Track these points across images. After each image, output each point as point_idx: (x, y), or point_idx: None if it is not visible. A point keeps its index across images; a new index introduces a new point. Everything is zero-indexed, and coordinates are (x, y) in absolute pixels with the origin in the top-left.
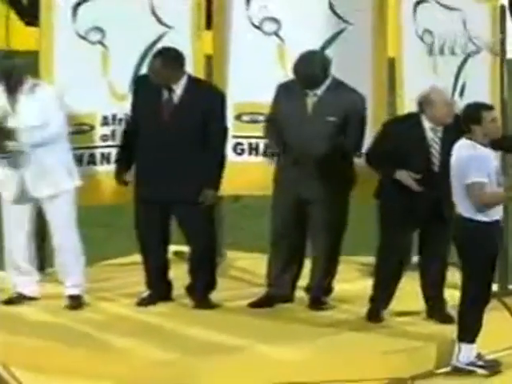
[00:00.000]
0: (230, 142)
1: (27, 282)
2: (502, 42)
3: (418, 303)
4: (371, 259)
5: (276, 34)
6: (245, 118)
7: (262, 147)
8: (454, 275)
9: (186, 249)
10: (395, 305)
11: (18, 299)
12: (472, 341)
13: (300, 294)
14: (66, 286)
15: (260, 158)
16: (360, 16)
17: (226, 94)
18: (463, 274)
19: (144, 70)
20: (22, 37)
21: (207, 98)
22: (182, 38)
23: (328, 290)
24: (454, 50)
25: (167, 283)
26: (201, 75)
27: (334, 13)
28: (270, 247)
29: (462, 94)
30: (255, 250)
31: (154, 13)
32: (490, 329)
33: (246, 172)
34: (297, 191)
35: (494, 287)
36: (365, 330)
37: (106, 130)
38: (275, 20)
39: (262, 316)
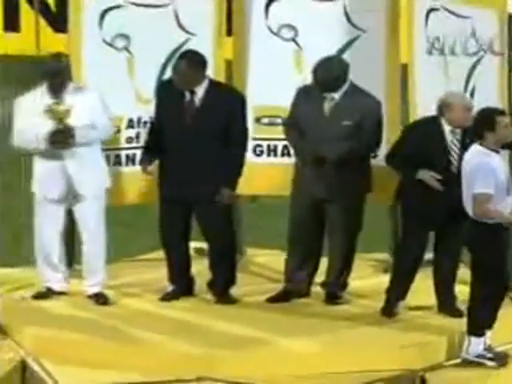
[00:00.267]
0: (250, 144)
1: (57, 278)
2: (511, 48)
3: (430, 298)
4: (385, 256)
5: (293, 40)
6: (264, 120)
7: (280, 149)
8: (463, 272)
9: (205, 246)
10: (408, 299)
11: (47, 294)
12: (481, 334)
13: (316, 289)
14: (90, 285)
15: (278, 159)
16: (373, 23)
17: (246, 97)
18: (473, 272)
19: (168, 76)
20: (51, 43)
21: (228, 101)
22: (204, 44)
23: (343, 285)
24: (465, 56)
25: (189, 279)
26: (221, 79)
27: (349, 20)
28: (288, 244)
29: (472, 97)
30: (273, 248)
31: (177, 20)
32: (500, 322)
33: (265, 173)
34: (314, 191)
35: None
36: (379, 324)
37: (131, 133)
38: (292, 27)
39: (281, 310)
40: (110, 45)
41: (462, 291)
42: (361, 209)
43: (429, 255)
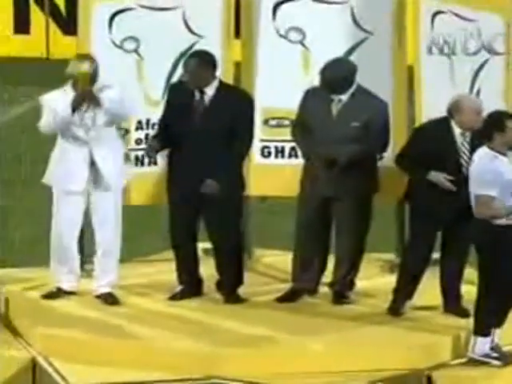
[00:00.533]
0: (258, 146)
1: (69, 278)
2: None
3: (437, 298)
4: (391, 256)
5: (301, 42)
6: (272, 122)
7: (287, 150)
8: (468, 272)
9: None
10: (415, 299)
11: (57, 294)
12: (487, 334)
13: (324, 289)
14: (100, 285)
15: (286, 161)
16: (380, 26)
17: (254, 99)
18: (480, 273)
19: (176, 78)
20: (61, 45)
21: (237, 102)
22: (212, 47)
23: (351, 285)
24: (470, 57)
25: (198, 279)
26: (230, 81)
27: (356, 23)
28: (295, 244)
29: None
30: (281, 248)
31: (186, 23)
32: (510, 323)
33: (273, 174)
34: (322, 192)
35: None
36: (385, 324)
37: (140, 134)
38: (300, 30)
39: (288, 310)
40: (120, 47)
41: (468, 291)
42: (368, 209)
43: (435, 255)
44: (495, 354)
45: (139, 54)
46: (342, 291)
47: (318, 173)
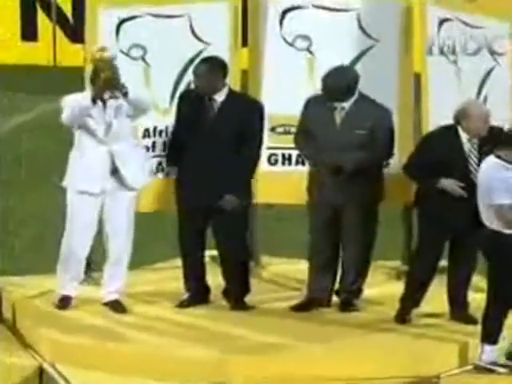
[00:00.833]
0: (265, 153)
1: (74, 284)
2: None
3: (443, 305)
4: (398, 264)
5: (308, 50)
6: (278, 129)
7: (294, 157)
8: (476, 279)
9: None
10: (422, 306)
11: (67, 302)
12: (495, 342)
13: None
14: (108, 292)
15: (293, 168)
16: (387, 33)
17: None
18: (489, 280)
19: (183, 85)
20: (69, 53)
21: (247, 110)
22: (220, 54)
23: (358, 293)
24: (477, 66)
25: (205, 286)
26: (237, 89)
27: (362, 30)
28: (309, 256)
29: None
30: (288, 255)
31: (192, 31)
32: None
33: (280, 181)
34: (329, 199)
35: None
36: (393, 331)
37: (148, 142)
38: (307, 37)
39: (296, 317)
40: (127, 55)
41: (475, 299)
42: (375, 217)
43: (442, 262)
44: (502, 362)
45: (146, 62)
46: (350, 299)
47: (325, 180)
